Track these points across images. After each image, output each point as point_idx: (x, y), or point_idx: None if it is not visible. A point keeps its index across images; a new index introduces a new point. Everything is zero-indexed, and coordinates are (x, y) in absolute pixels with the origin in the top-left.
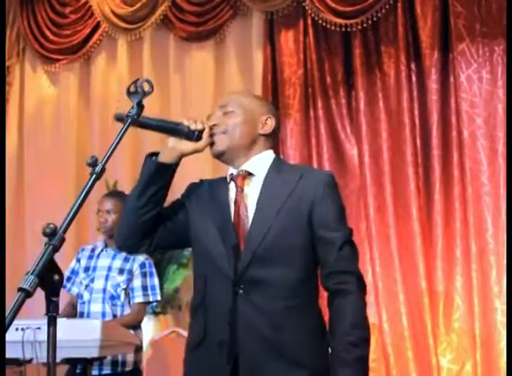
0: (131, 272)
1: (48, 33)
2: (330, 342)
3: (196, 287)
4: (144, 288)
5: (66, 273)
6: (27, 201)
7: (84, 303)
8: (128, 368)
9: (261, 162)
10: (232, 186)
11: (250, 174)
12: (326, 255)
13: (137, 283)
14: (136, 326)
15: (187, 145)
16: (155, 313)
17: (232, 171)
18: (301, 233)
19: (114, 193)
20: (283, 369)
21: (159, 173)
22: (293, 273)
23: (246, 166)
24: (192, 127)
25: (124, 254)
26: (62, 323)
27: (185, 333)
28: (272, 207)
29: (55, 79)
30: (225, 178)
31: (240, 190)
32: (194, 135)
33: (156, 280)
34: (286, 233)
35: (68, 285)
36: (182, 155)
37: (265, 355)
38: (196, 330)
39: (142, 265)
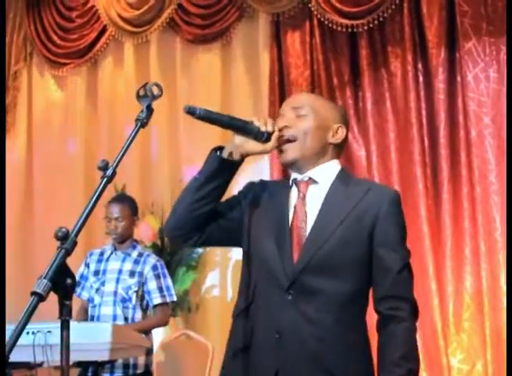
0: (142, 274)
1: (54, 37)
2: (379, 370)
3: (244, 290)
4: (160, 290)
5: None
6: (35, 205)
7: (95, 307)
8: (140, 371)
9: (327, 171)
10: (293, 190)
11: (314, 181)
12: (382, 277)
13: (152, 285)
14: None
15: (254, 145)
16: None
17: (295, 176)
18: (360, 246)
19: (120, 199)
20: None
21: (222, 169)
22: (347, 286)
23: (312, 173)
24: (263, 128)
25: (134, 256)
26: (73, 326)
27: (195, 335)
28: (334, 217)
29: (62, 83)
30: (287, 181)
31: (302, 197)
32: (263, 137)
33: (169, 281)
34: (345, 244)
35: (78, 290)
36: (247, 154)
37: (306, 365)
38: (240, 334)
39: (155, 268)
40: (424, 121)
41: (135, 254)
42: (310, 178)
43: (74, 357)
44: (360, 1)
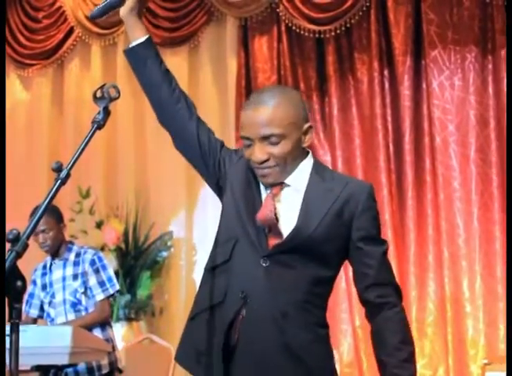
0: (84, 273)
1: (21, 38)
2: (380, 355)
3: (222, 247)
4: (101, 284)
5: (25, 297)
6: None
7: (52, 320)
8: (105, 371)
9: (301, 174)
10: (262, 188)
11: (287, 185)
12: (365, 268)
13: (92, 281)
14: (104, 324)
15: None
16: (128, 320)
17: None
18: (339, 240)
19: None
20: (283, 360)
21: (143, 52)
22: (320, 271)
23: (288, 180)
24: None
25: (72, 259)
26: (33, 330)
27: (158, 340)
28: (314, 216)
29: (27, 84)
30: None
31: (272, 196)
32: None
33: (110, 272)
34: (326, 240)
35: (26, 308)
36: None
37: (264, 333)
38: (212, 290)
39: (92, 263)
40: (390, 127)
41: (72, 256)
42: (283, 183)
43: (34, 361)
44: (328, 7)
